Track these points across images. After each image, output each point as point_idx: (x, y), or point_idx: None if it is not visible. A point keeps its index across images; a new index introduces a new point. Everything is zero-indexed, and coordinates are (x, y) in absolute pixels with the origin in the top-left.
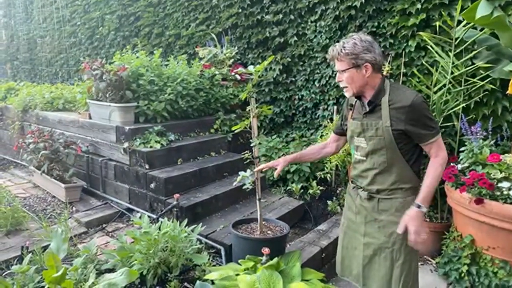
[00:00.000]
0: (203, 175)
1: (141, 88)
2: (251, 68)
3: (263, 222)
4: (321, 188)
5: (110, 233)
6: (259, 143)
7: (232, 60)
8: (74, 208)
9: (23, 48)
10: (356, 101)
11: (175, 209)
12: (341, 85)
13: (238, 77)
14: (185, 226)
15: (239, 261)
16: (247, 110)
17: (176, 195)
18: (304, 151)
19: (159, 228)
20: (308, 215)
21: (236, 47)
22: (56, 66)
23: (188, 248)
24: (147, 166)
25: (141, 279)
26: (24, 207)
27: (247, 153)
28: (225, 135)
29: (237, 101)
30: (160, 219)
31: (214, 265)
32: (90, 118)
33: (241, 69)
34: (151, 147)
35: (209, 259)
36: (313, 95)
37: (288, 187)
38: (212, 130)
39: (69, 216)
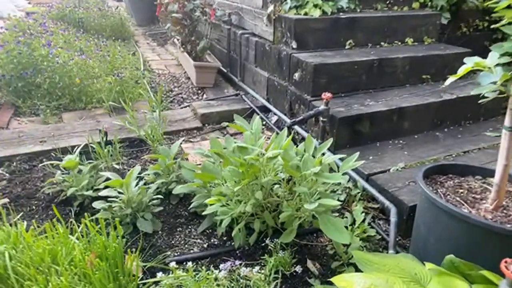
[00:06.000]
0: (385, 72)
1: None
2: None
3: (508, 184)
4: None
5: (232, 136)
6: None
7: None
8: (204, 96)
9: None
10: None
11: (321, 119)
12: None
13: None
14: (328, 150)
15: (427, 265)
16: None
17: (327, 95)
18: None
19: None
20: None
21: None
22: None
23: (324, 192)
24: (294, 45)
25: (226, 230)
26: (149, 84)
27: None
28: (438, 13)
29: None
30: (297, 128)
31: (368, 242)
32: None
33: None
34: (305, 14)
35: (364, 219)
36: None
37: None
38: (415, 4)
39: (188, 104)
